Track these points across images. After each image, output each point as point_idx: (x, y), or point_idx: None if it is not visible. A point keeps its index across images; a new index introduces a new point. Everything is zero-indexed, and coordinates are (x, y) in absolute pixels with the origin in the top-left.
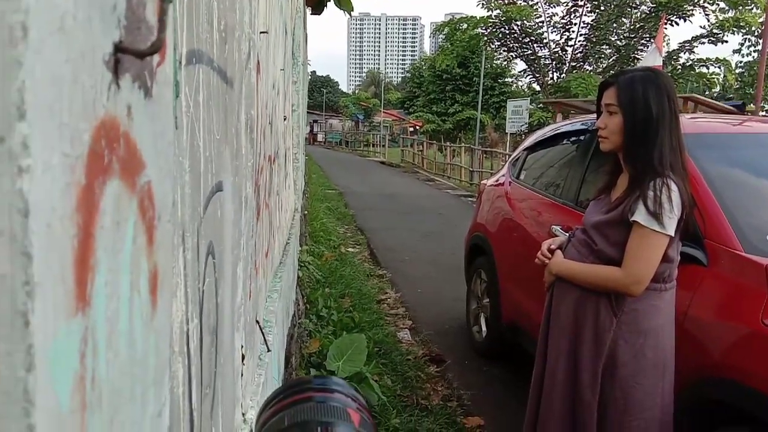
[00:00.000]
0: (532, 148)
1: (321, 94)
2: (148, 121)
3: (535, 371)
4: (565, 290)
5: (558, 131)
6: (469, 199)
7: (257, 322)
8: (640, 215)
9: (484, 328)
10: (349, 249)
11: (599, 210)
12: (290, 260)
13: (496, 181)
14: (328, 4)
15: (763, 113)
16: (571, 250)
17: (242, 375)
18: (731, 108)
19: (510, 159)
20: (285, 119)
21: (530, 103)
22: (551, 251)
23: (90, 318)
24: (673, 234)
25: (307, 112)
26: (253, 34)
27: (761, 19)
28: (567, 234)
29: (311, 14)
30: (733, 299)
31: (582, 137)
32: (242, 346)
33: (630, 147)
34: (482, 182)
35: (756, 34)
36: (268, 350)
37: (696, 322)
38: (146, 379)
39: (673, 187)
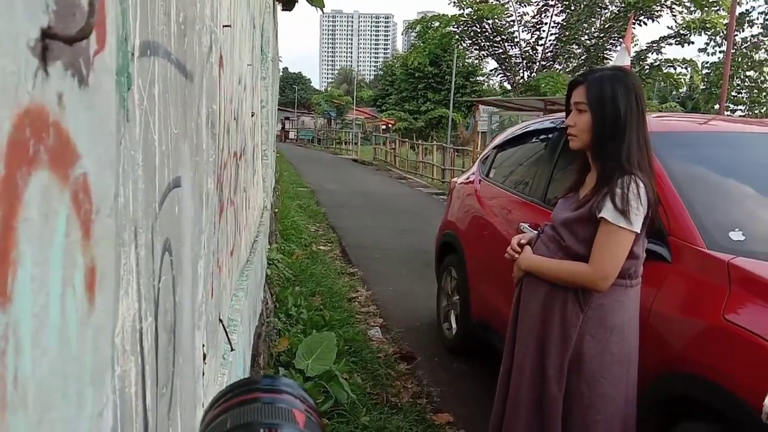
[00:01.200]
0: (501, 147)
1: (293, 91)
2: (84, 111)
3: (502, 368)
4: (533, 286)
5: (527, 130)
6: (441, 197)
7: (220, 321)
8: (607, 212)
9: (454, 326)
10: (321, 247)
11: (568, 207)
12: (258, 258)
13: (467, 179)
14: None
15: (728, 113)
16: (540, 246)
17: (204, 374)
18: None
19: (480, 157)
20: (253, 115)
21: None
22: (521, 246)
23: (11, 314)
24: (639, 231)
25: (279, 109)
26: (215, 28)
27: (726, 21)
28: (535, 231)
29: (282, 10)
30: (695, 295)
31: (550, 135)
32: (204, 345)
33: (598, 145)
34: (453, 180)
35: (721, 34)
36: (232, 349)
37: (660, 318)
38: (82, 378)
39: (640, 184)
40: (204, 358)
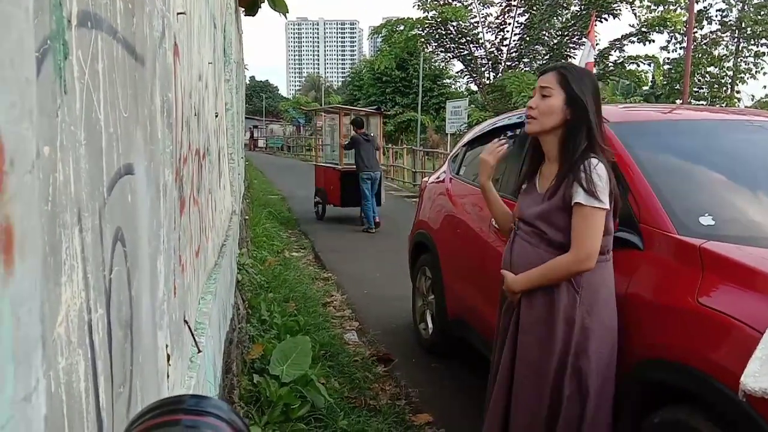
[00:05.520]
0: (470, 144)
1: (261, 99)
2: None
3: (497, 378)
4: (530, 297)
5: (495, 126)
6: (413, 199)
7: (185, 321)
8: (579, 196)
9: (430, 325)
10: (294, 253)
11: (535, 201)
12: (227, 262)
13: (437, 178)
14: (263, 5)
15: None
16: (522, 244)
17: (169, 376)
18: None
19: (450, 155)
20: (217, 116)
21: (468, 104)
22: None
23: None
24: (608, 206)
25: (247, 118)
26: (168, 13)
27: (685, 18)
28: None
29: (245, 15)
30: (669, 281)
31: (518, 131)
32: (167, 346)
33: (566, 129)
34: (423, 180)
35: (681, 32)
36: (199, 351)
37: (634, 305)
38: None
39: (598, 162)
40: (168, 360)
